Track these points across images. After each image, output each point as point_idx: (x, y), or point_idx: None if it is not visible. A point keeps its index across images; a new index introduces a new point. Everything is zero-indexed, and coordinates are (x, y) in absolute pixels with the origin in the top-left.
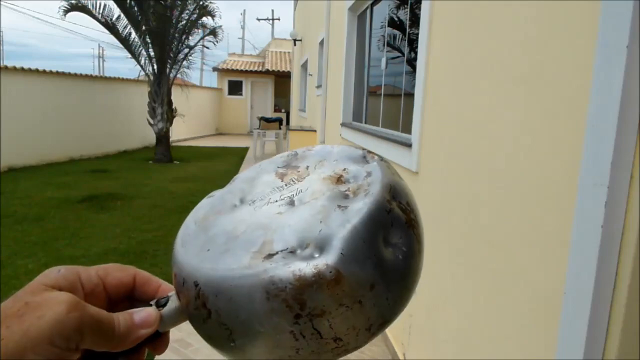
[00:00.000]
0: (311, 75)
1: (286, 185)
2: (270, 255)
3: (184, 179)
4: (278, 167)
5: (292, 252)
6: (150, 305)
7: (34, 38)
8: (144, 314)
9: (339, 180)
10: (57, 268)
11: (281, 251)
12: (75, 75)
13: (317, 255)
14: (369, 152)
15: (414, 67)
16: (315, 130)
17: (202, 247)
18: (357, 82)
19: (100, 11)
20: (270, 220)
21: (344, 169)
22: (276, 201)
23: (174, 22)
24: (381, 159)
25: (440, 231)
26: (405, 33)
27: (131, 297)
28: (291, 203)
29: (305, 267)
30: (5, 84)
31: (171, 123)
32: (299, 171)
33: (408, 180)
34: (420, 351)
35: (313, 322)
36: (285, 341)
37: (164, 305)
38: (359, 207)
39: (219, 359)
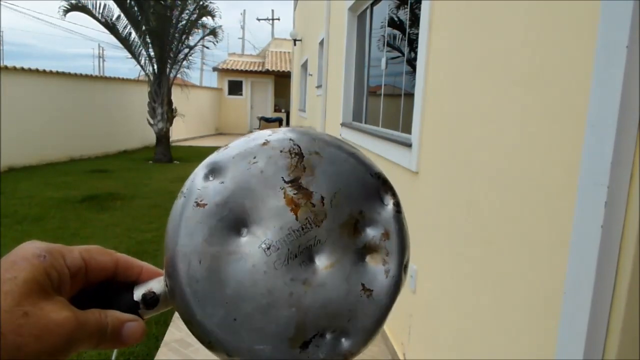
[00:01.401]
0: (311, 75)
1: (302, 229)
2: (305, 344)
3: (184, 179)
4: (285, 182)
5: (322, 335)
6: (137, 304)
7: (34, 38)
8: (132, 329)
9: (356, 229)
10: (40, 251)
11: (314, 337)
12: (75, 75)
13: (343, 340)
14: (383, 182)
15: (414, 67)
16: None
17: (225, 311)
18: (357, 82)
19: (100, 11)
20: (297, 294)
21: (360, 212)
22: (296, 256)
23: (174, 22)
24: (393, 194)
25: (440, 231)
26: (405, 33)
27: (112, 279)
28: (312, 261)
29: (336, 357)
30: (5, 84)
31: (171, 123)
32: (313, 205)
33: (408, 180)
34: (420, 351)
35: None
36: None
37: (153, 304)
38: (382, 300)
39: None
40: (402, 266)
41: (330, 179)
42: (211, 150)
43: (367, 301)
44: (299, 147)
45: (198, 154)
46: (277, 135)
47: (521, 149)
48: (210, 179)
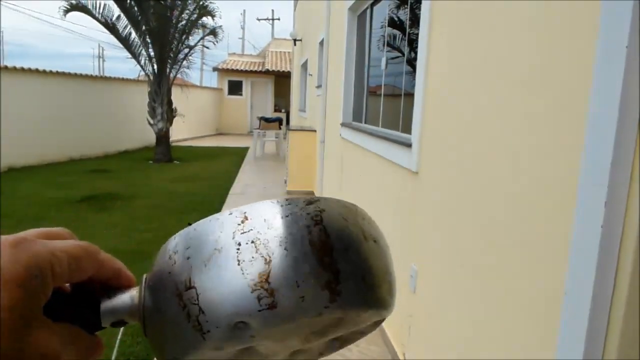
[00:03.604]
0: (311, 75)
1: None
2: None
3: (184, 179)
4: (310, 332)
5: None
6: (104, 327)
7: (34, 38)
8: (94, 352)
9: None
10: (31, 270)
11: None
12: (75, 75)
13: None
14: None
15: (414, 67)
16: (315, 130)
17: None
18: (357, 82)
19: (100, 11)
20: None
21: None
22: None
23: (174, 22)
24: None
25: (440, 231)
26: (405, 33)
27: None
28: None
29: None
30: (5, 84)
31: (171, 123)
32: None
33: (408, 180)
34: (420, 351)
35: None
36: None
37: (121, 324)
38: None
39: None
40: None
41: (349, 326)
42: (211, 150)
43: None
44: (343, 318)
45: (198, 154)
46: (331, 311)
47: (521, 149)
48: (237, 333)
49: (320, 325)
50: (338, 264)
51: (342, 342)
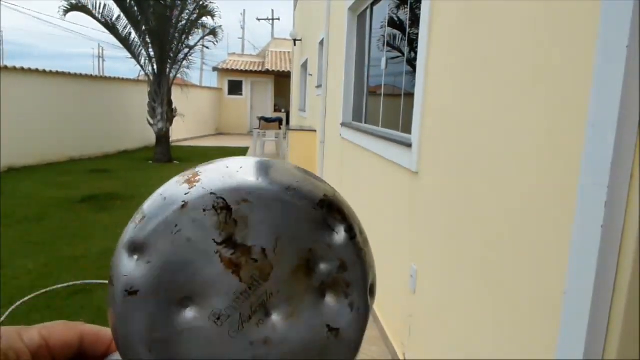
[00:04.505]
0: (311, 75)
1: (250, 288)
2: None
3: None
4: (217, 244)
5: None
6: None
7: (34, 38)
8: None
9: (309, 268)
10: None
11: None
12: (75, 75)
13: None
14: (329, 209)
15: (414, 67)
16: (315, 130)
17: None
18: (357, 82)
19: (100, 11)
20: (260, 356)
21: (310, 250)
22: (250, 318)
23: (174, 22)
24: (343, 218)
25: (440, 231)
26: (405, 33)
27: (80, 355)
28: (269, 316)
29: None
30: (5, 84)
31: (171, 123)
32: (255, 260)
33: (408, 180)
34: (420, 351)
35: None
36: None
37: None
38: (351, 336)
39: None
40: (366, 293)
41: (267, 225)
42: (211, 150)
43: (336, 341)
44: (224, 199)
45: (198, 154)
46: (196, 191)
47: (521, 149)
48: (135, 259)
49: (211, 226)
50: (199, 174)
51: (339, 291)
